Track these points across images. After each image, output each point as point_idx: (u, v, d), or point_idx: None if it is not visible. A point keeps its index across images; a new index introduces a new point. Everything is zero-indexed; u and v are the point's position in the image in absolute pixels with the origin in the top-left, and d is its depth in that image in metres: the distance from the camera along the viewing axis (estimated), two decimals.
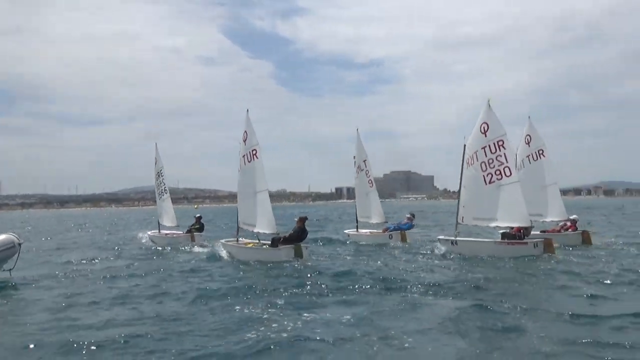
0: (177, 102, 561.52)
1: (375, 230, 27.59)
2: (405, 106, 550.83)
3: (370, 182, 28.20)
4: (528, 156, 24.81)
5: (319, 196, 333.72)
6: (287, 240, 20.00)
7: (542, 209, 23.87)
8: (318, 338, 9.10)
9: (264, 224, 20.60)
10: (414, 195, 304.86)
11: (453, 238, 20.97)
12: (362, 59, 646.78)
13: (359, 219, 28.36)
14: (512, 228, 19.91)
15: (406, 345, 8.82)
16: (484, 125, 20.33)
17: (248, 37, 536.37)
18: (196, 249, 24.72)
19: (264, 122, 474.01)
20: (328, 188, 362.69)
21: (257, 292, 13.39)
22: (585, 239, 23.00)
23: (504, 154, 19.98)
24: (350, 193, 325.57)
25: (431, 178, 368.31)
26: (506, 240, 19.86)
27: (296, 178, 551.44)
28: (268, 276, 16.10)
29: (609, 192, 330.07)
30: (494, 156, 20.07)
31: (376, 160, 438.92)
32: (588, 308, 11.14)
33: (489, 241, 20.88)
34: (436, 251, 20.85)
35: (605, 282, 13.99)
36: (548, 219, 24.09)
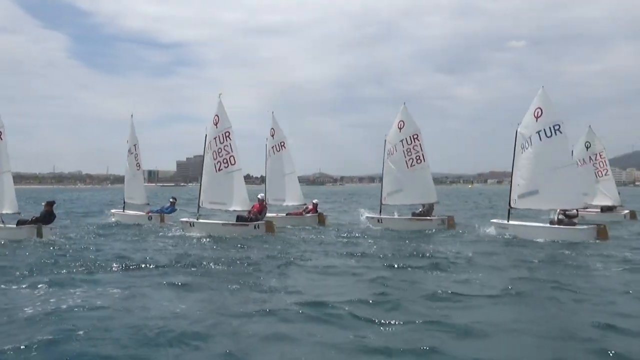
0: None
1: (140, 212, 28.84)
2: (207, 90, 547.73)
3: (137, 165, 29.48)
4: (273, 147, 28.02)
5: (117, 179, 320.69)
6: (36, 221, 20.85)
7: (283, 194, 27.47)
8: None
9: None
10: None
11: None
12: (166, 39, 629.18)
13: (125, 200, 30.16)
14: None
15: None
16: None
17: (41, 6, 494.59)
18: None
19: (56, 99, 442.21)
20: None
21: None
22: (321, 220, 27.24)
23: (230, 144, 23.28)
24: (153, 176, 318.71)
25: None
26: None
27: (94, 160, 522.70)
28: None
29: None
30: (222, 146, 23.32)
31: (180, 143, 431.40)
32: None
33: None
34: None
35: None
36: (290, 203, 27.57)
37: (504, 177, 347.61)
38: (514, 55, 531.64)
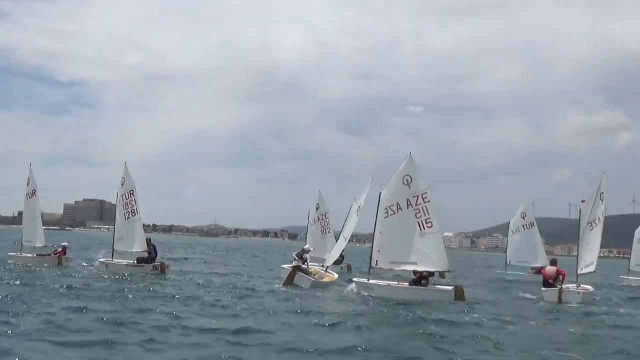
0: None
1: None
2: (105, 133, 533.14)
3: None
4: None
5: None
6: None
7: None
8: None
9: None
10: (106, 226, 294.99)
11: None
12: (63, 77, 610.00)
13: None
14: None
15: None
16: None
17: None
18: None
19: None
20: (10, 211, 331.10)
21: None
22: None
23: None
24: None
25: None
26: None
27: None
28: None
29: (292, 236, 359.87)
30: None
31: (69, 187, 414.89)
32: None
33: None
34: None
35: None
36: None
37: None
38: (412, 120, 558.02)
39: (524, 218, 38.10)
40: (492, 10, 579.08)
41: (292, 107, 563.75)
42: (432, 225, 22.59)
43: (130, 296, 18.85)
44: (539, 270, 30.24)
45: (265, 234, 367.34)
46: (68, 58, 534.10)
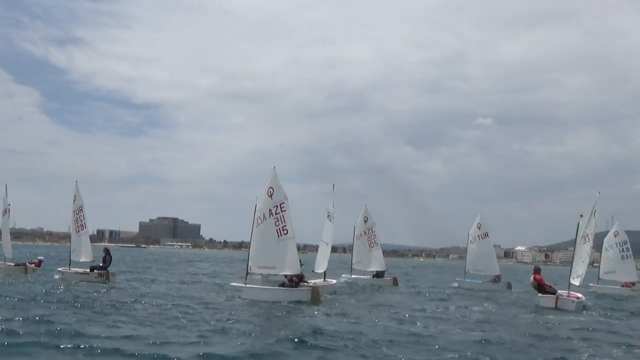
0: None
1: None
2: (177, 152, 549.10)
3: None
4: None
5: None
6: None
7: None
8: None
9: None
10: (179, 243, 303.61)
11: None
12: (139, 100, 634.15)
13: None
14: None
15: None
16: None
17: (15, 60, 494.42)
18: None
19: (23, 154, 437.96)
20: (91, 229, 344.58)
21: None
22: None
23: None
24: (114, 236, 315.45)
25: (198, 227, 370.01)
26: None
27: (56, 217, 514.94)
28: None
29: None
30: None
31: (143, 205, 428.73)
32: None
33: None
34: None
35: None
36: None
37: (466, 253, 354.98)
38: (481, 133, 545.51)
39: (479, 228, 40.17)
40: (560, 19, 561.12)
41: (359, 121, 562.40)
42: (287, 232, 24.79)
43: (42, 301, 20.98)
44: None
45: (334, 249, 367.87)
46: (143, 81, 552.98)
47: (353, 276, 40.04)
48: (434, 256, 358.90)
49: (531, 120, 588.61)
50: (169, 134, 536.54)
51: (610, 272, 39.32)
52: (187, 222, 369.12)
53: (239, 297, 24.76)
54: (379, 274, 40.32)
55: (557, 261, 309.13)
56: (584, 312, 24.82)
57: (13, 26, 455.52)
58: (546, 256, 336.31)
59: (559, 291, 26.58)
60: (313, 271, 32.44)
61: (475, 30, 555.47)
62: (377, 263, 40.64)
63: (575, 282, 26.87)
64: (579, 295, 26.73)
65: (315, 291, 24.38)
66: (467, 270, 40.76)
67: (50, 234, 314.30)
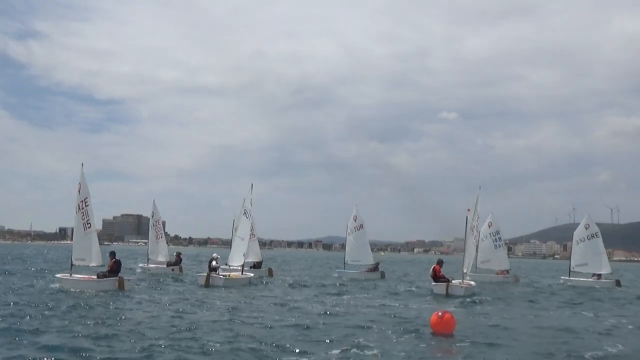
0: None
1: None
2: (140, 148, 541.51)
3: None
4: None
5: (39, 235, 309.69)
6: None
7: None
8: None
9: None
10: (143, 240, 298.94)
11: None
12: (101, 95, 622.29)
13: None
14: None
15: None
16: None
17: None
18: None
19: None
20: (53, 227, 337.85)
21: None
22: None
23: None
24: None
25: (163, 223, 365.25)
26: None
27: (17, 215, 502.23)
28: None
29: (327, 246, 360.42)
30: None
31: (107, 202, 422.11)
32: None
33: None
34: None
35: None
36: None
37: (431, 247, 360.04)
38: (445, 127, 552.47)
39: (355, 220, 43.50)
40: (523, 13, 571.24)
41: (324, 116, 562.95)
42: (90, 226, 26.63)
43: None
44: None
45: (300, 244, 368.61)
46: (105, 76, 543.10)
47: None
48: (399, 250, 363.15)
49: (494, 114, 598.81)
50: (131, 130, 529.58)
51: (485, 261, 41.98)
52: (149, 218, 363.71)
53: (61, 287, 25.32)
54: (256, 265, 42.18)
55: (520, 254, 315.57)
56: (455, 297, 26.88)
57: None
58: (509, 249, 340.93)
59: (453, 280, 29.31)
60: (227, 264, 35.43)
61: (440, 24, 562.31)
62: (253, 254, 41.91)
63: (465, 269, 30.80)
64: (472, 282, 30.74)
65: (120, 280, 25.89)
66: (346, 261, 43.49)
67: (11, 232, 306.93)
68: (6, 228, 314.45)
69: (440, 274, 29.12)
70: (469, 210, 30.86)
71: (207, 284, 29.98)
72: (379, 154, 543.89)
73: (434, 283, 29.28)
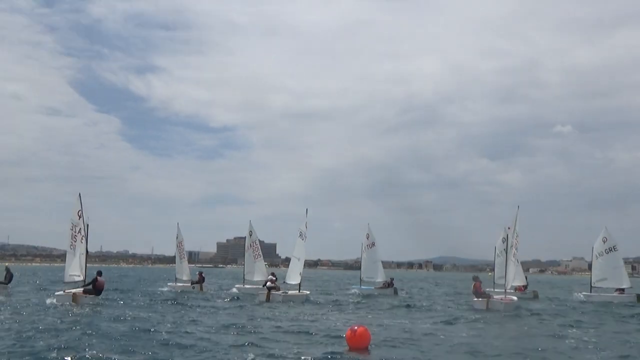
0: (14, 151, 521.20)
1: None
2: (252, 173, 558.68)
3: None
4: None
5: (159, 259, 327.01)
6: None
7: None
8: None
9: None
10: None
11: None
12: (215, 123, 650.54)
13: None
14: None
15: None
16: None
17: (97, 90, 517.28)
18: None
19: (106, 179, 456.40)
20: (172, 251, 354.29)
21: None
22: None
23: None
24: (193, 257, 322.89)
25: (274, 246, 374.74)
26: None
27: (140, 239, 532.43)
28: None
29: (437, 267, 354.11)
30: None
31: (223, 225, 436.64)
32: None
33: None
34: None
35: None
36: None
37: (547, 266, 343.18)
38: (560, 141, 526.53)
39: (367, 238, 45.52)
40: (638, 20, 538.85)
41: (433, 135, 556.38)
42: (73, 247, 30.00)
43: None
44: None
45: (410, 265, 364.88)
46: (218, 105, 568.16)
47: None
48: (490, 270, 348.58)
49: (613, 126, 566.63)
50: (244, 155, 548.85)
51: (501, 277, 39.59)
52: (263, 241, 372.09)
53: (56, 302, 27.63)
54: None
55: None
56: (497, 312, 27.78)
57: (94, 58, 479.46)
58: (632, 268, 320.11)
59: (494, 296, 30.95)
60: (284, 282, 36.47)
61: (546, 36, 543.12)
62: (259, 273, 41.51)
63: (508, 285, 31.75)
64: (514, 298, 31.79)
65: (75, 296, 27.91)
66: (362, 278, 45.28)
67: (134, 256, 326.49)
68: (130, 252, 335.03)
69: (481, 290, 30.41)
70: (508, 228, 31.59)
71: (268, 300, 32.84)
72: (490, 171, 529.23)
73: (475, 298, 30.52)
